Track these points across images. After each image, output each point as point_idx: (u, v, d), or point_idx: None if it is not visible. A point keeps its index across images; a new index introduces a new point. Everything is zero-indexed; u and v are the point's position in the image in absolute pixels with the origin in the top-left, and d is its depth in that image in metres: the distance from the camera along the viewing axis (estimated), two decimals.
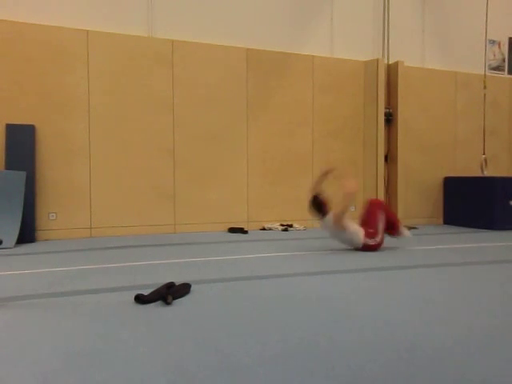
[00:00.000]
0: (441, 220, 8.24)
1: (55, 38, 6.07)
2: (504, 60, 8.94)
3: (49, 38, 6.05)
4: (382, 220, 5.09)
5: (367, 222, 5.14)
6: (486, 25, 7.71)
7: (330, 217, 4.97)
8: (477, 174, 7.91)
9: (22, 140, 5.83)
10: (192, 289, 3.29)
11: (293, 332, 2.46)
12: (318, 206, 5.04)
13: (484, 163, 7.80)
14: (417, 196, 8.04)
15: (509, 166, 8.81)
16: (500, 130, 8.73)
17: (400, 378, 1.91)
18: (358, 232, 5.02)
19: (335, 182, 5.17)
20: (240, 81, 7.03)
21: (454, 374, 1.95)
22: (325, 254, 4.93)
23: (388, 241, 5.32)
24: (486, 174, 7.78)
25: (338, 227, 4.94)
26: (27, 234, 5.68)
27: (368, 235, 5.03)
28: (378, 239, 5.07)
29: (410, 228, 7.26)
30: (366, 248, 5.03)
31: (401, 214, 7.72)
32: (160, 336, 2.40)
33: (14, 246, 5.34)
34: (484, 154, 7.87)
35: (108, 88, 6.34)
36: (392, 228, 5.26)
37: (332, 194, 5.14)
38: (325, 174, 5.20)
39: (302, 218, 7.37)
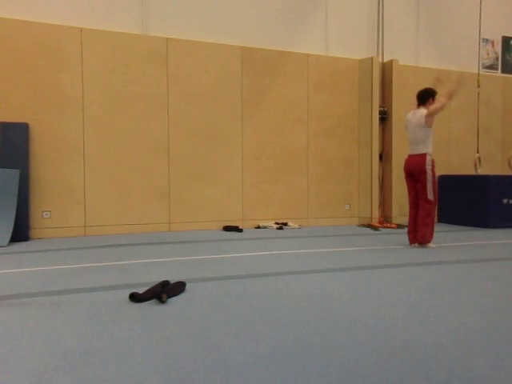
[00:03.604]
0: (435, 218, 8.25)
1: (49, 35, 6.04)
2: (497, 59, 8.98)
3: (42, 35, 6.01)
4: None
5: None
6: (480, 24, 7.75)
7: (423, 111, 5.26)
8: (471, 172, 7.94)
9: (16, 138, 5.80)
10: (187, 287, 3.29)
11: (287, 330, 2.46)
12: (427, 93, 5.34)
13: (478, 161, 7.85)
14: None
15: (502, 164, 8.85)
16: (494, 128, 8.77)
17: (394, 375, 1.92)
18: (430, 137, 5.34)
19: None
20: (235, 79, 7.03)
21: (446, 371, 1.96)
22: (319, 253, 4.94)
23: (385, 240, 5.33)
24: (480, 172, 7.82)
25: (427, 122, 5.24)
26: (21, 233, 5.66)
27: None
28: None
29: (405, 226, 7.32)
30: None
31: (395, 213, 7.75)
32: (154, 334, 2.40)
33: (8, 245, 5.32)
34: (478, 152, 7.91)
35: (102, 86, 6.32)
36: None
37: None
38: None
39: (297, 216, 7.40)
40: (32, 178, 5.96)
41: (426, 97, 5.36)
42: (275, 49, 7.25)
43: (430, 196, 5.26)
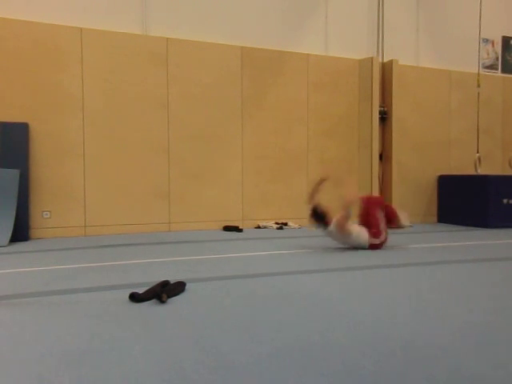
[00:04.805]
0: (435, 218, 8.26)
1: (49, 35, 6.04)
2: (497, 59, 8.98)
3: (42, 35, 6.01)
4: (382, 219, 5.10)
5: (368, 222, 5.10)
6: (480, 23, 7.74)
7: (332, 226, 4.97)
8: (471, 172, 7.94)
9: (16, 138, 5.79)
10: (187, 287, 3.28)
11: (287, 330, 2.46)
12: (319, 217, 5.00)
13: (478, 161, 7.84)
14: (411, 194, 8.06)
15: (502, 165, 8.84)
16: (494, 128, 8.76)
17: (394, 375, 1.92)
18: (362, 234, 5.02)
19: (332, 190, 5.18)
20: (235, 79, 7.02)
21: (446, 371, 1.96)
22: (319, 253, 4.94)
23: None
24: (480, 172, 7.82)
25: (343, 234, 4.96)
26: (21, 233, 5.65)
27: (372, 235, 5.04)
28: (382, 238, 5.08)
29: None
30: (373, 247, 5.05)
31: None
32: (155, 334, 2.40)
33: (8, 245, 5.32)
34: (478, 152, 7.90)
35: (102, 86, 6.31)
36: (392, 222, 5.26)
37: (330, 200, 5.11)
38: (319, 184, 5.21)
39: (297, 216, 7.38)
40: (32, 177, 5.95)
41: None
42: (275, 49, 7.25)
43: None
